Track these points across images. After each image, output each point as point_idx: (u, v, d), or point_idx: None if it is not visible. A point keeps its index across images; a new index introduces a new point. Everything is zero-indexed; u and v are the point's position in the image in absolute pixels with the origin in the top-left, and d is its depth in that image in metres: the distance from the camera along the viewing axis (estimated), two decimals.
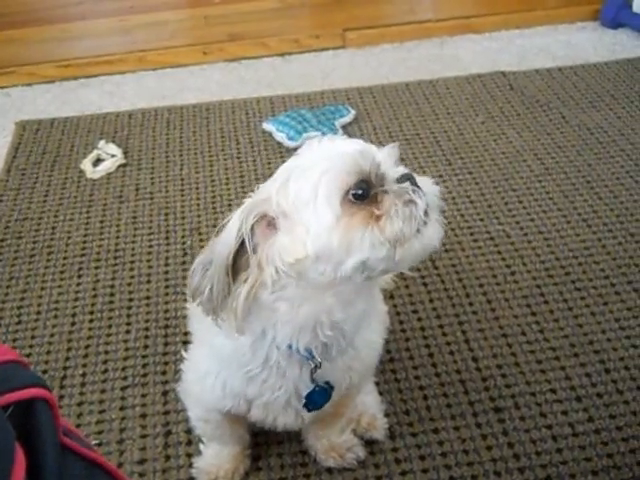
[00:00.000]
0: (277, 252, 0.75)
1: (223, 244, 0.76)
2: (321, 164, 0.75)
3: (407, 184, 0.76)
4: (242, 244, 0.76)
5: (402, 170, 0.79)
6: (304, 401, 0.91)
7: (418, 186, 0.77)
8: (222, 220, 0.79)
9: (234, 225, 0.76)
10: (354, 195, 0.74)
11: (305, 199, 0.74)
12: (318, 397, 0.91)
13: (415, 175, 0.79)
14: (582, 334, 1.40)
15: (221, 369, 0.93)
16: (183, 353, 1.08)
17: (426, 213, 0.76)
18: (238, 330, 0.80)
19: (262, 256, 0.76)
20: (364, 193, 0.74)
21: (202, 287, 0.77)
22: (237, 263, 0.76)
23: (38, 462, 0.43)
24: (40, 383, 0.46)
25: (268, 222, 0.77)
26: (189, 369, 1.05)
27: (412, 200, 0.75)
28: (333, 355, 0.86)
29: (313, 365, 0.86)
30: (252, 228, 0.76)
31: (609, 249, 1.61)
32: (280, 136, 2.01)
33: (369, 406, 1.24)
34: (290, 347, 0.83)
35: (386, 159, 0.78)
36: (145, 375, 1.36)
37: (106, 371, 1.37)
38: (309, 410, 0.93)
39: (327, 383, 0.90)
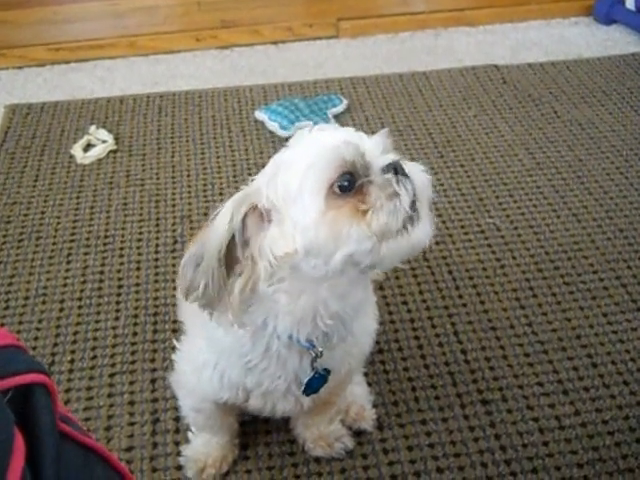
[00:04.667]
0: (268, 245, 0.75)
1: (214, 237, 0.75)
2: (306, 157, 0.75)
3: (391, 175, 0.74)
4: (242, 233, 0.75)
5: (390, 158, 0.77)
6: (303, 387, 0.91)
7: (405, 174, 0.75)
8: (213, 209, 0.78)
9: (225, 217, 0.75)
10: (339, 187, 0.73)
11: (292, 193, 0.74)
12: (316, 382, 0.91)
13: (404, 162, 0.77)
14: (570, 328, 1.41)
15: (219, 360, 0.93)
16: (175, 343, 1.08)
17: (414, 205, 0.75)
18: (238, 324, 0.79)
19: (255, 249, 0.76)
20: (349, 185, 0.73)
21: (196, 282, 0.76)
22: (230, 256, 0.76)
23: (37, 448, 0.43)
24: (39, 368, 0.46)
25: (260, 214, 0.76)
26: (183, 360, 1.04)
27: (396, 193, 0.74)
28: (334, 343, 0.86)
29: (314, 354, 0.86)
30: (244, 220, 0.75)
31: (598, 244, 1.62)
32: (272, 125, 2.00)
33: (358, 397, 1.24)
34: (290, 337, 0.83)
35: (373, 147, 0.77)
36: (134, 362, 1.36)
37: (94, 358, 1.37)
38: (307, 395, 0.93)
39: (325, 369, 0.90)
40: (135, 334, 1.41)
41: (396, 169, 0.75)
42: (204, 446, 1.16)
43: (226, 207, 0.76)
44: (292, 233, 0.74)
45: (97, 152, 1.94)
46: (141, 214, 1.74)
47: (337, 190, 0.73)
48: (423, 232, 0.76)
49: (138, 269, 1.57)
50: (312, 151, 0.76)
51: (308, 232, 0.73)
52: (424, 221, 0.76)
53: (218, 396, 0.98)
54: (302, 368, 0.89)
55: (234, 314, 0.78)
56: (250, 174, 1.81)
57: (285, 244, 0.74)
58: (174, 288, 1.50)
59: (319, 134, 0.78)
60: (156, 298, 1.50)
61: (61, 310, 1.48)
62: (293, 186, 0.74)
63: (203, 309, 0.80)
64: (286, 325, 0.82)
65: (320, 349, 0.85)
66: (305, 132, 0.79)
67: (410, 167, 0.78)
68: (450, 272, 1.55)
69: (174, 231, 1.68)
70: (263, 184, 0.77)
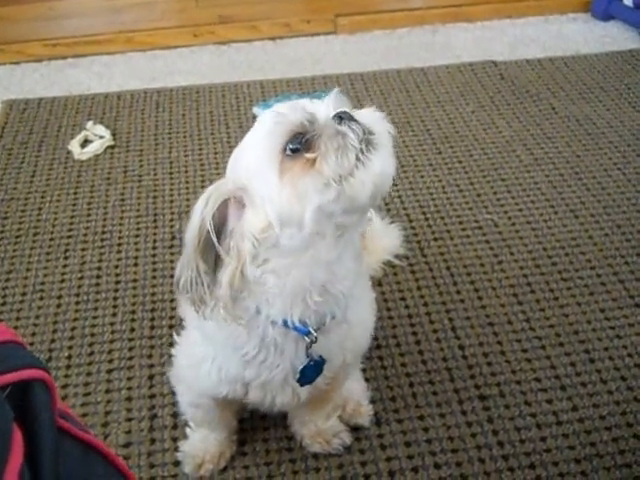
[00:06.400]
0: (247, 228, 0.76)
1: (189, 233, 0.76)
2: (257, 132, 0.77)
3: (335, 121, 0.75)
4: (221, 230, 0.76)
5: (336, 110, 0.77)
6: (298, 375, 0.90)
7: (353, 119, 0.75)
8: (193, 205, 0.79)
9: (196, 214, 0.76)
10: (291, 150, 0.73)
11: (253, 170, 0.75)
12: (311, 371, 0.91)
13: (354, 111, 0.77)
14: (567, 324, 1.41)
15: (217, 355, 0.93)
16: (175, 337, 1.08)
17: (368, 142, 0.74)
18: (232, 318, 0.79)
19: (237, 236, 0.76)
20: (300, 145, 0.74)
21: (182, 278, 0.78)
22: (219, 251, 0.76)
23: (35, 444, 0.43)
24: (38, 364, 0.46)
25: (238, 202, 0.77)
26: (181, 355, 1.04)
27: (339, 131, 0.74)
28: (327, 325, 0.85)
29: (309, 340, 0.85)
30: (225, 212, 0.77)
31: (596, 240, 1.62)
32: None
33: (355, 393, 1.24)
34: (285, 323, 0.83)
35: (324, 107, 0.77)
36: (131, 358, 1.36)
37: (92, 354, 1.37)
38: (302, 384, 0.93)
39: (320, 357, 0.90)
40: (133, 330, 1.41)
41: (342, 116, 0.75)
42: (202, 442, 1.16)
43: (197, 204, 0.77)
44: (263, 208, 0.75)
45: (94, 148, 1.94)
46: (139, 210, 1.73)
47: (289, 153, 0.74)
48: (382, 160, 0.74)
49: (136, 265, 1.57)
50: (261, 126, 0.77)
51: (274, 201, 0.74)
52: (381, 150, 0.75)
53: (217, 391, 0.97)
54: (298, 356, 0.89)
55: (225, 308, 0.78)
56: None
57: (259, 220, 0.75)
58: (172, 284, 1.49)
59: (270, 111, 0.79)
60: (154, 294, 1.50)
61: (58, 306, 1.47)
62: (251, 162, 0.76)
63: (191, 305, 0.80)
64: (278, 308, 0.81)
65: (315, 334, 0.85)
66: (264, 113, 0.80)
67: (361, 112, 0.78)
68: (448, 268, 1.55)
69: (172, 227, 1.68)
70: (229, 172, 0.80)
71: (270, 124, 0.75)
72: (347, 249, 0.81)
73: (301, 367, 0.90)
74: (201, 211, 0.75)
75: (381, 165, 0.74)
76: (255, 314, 0.83)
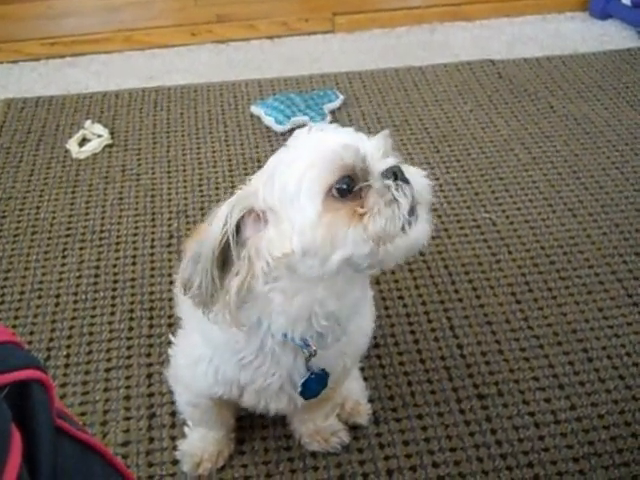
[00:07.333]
0: (266, 246, 0.75)
1: (209, 239, 0.75)
2: (305, 159, 0.74)
3: (391, 180, 0.74)
4: (235, 236, 0.75)
5: (390, 162, 0.76)
6: (300, 389, 0.90)
7: (405, 180, 0.75)
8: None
9: (220, 219, 0.75)
10: (338, 190, 0.72)
11: (290, 195, 0.74)
12: (314, 384, 0.91)
13: (405, 167, 0.77)
14: (566, 323, 1.42)
15: (214, 356, 0.93)
16: (171, 338, 1.08)
17: (413, 210, 0.74)
18: (235, 324, 0.79)
19: (251, 249, 0.76)
20: (348, 188, 0.73)
21: (192, 280, 0.77)
22: (229, 256, 0.76)
23: (34, 444, 0.43)
24: (36, 364, 0.46)
25: (257, 215, 0.76)
26: (179, 354, 1.04)
27: (395, 199, 0.73)
28: (328, 343, 0.86)
29: (308, 353, 0.86)
30: (242, 221, 0.76)
31: (594, 239, 1.62)
32: (268, 120, 2.00)
33: (353, 391, 1.24)
34: (285, 336, 0.83)
35: (373, 150, 0.77)
36: (129, 357, 1.36)
37: (90, 353, 1.37)
38: (305, 398, 0.93)
39: (323, 370, 0.90)
40: (131, 329, 1.41)
41: (396, 174, 0.75)
42: (200, 441, 1.16)
43: (221, 210, 0.76)
44: (289, 234, 0.74)
45: (93, 147, 1.94)
46: (137, 209, 1.73)
47: (335, 193, 0.72)
48: (420, 231, 0.76)
49: (134, 264, 1.57)
50: (311, 153, 0.75)
51: (305, 234, 0.73)
52: (422, 221, 0.76)
53: (213, 391, 0.97)
54: (296, 367, 0.89)
55: (231, 314, 0.78)
56: (246, 169, 1.81)
57: (282, 245, 0.74)
58: (170, 283, 1.49)
59: (318, 135, 0.77)
60: (152, 293, 1.50)
61: (57, 305, 1.47)
62: (291, 187, 0.73)
63: (198, 307, 0.80)
64: (280, 324, 0.82)
65: (314, 348, 0.85)
66: (304, 132, 0.79)
67: (411, 171, 0.77)
68: (446, 267, 1.55)
69: (170, 226, 1.67)
70: (260, 185, 0.77)
71: (324, 159, 0.73)
72: (359, 280, 0.82)
73: (302, 380, 0.90)
74: (225, 218, 0.74)
75: (420, 236, 0.76)
76: (256, 323, 0.83)
